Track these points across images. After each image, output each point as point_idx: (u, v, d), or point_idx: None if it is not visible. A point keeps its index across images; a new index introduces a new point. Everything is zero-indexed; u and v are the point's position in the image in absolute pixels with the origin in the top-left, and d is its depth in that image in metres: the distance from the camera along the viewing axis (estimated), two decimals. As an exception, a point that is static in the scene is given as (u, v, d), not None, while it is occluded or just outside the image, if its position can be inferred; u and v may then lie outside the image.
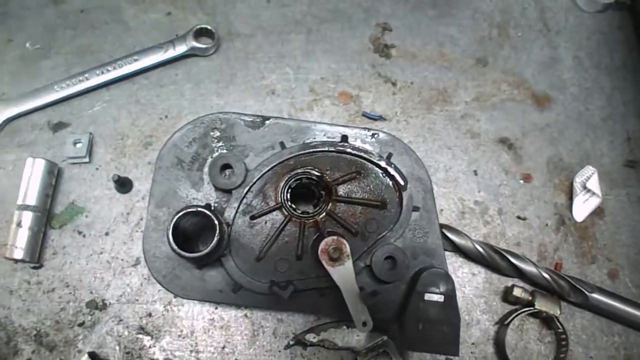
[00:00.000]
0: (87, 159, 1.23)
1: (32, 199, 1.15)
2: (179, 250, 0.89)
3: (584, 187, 1.25)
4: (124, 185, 1.20)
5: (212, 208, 0.98)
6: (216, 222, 0.90)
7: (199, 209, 0.90)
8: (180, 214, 0.89)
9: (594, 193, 1.24)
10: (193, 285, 1.02)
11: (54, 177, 1.19)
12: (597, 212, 1.26)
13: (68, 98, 1.27)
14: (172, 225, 0.88)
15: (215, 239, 0.90)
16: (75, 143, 1.22)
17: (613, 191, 1.28)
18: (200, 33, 1.32)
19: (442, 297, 1.00)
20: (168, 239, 0.88)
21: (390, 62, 1.35)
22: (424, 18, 1.40)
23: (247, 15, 1.38)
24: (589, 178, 1.25)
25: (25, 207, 1.14)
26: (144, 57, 1.29)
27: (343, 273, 0.96)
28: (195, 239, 1.04)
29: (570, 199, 1.26)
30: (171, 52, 1.30)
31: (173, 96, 1.29)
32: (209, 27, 1.31)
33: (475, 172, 1.27)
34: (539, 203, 1.26)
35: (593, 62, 1.39)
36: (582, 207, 1.25)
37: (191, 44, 1.30)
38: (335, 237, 0.96)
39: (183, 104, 1.29)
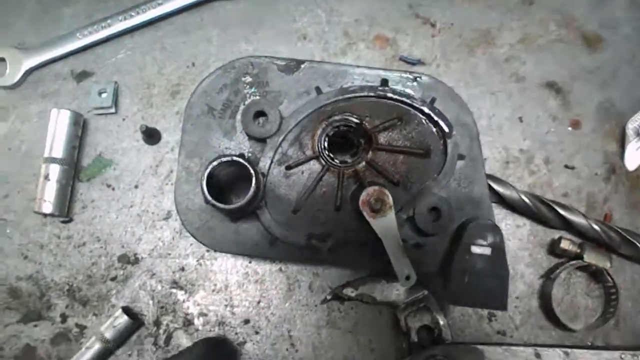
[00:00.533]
0: (113, 110, 1.18)
1: (58, 152, 1.11)
2: (213, 202, 0.84)
3: (637, 134, 1.17)
4: (152, 136, 1.16)
5: (246, 158, 0.93)
6: (252, 172, 0.85)
7: (234, 158, 0.85)
8: (214, 164, 0.84)
9: (648, 140, 1.16)
10: (227, 238, 0.98)
11: (79, 128, 1.15)
12: (651, 160, 1.18)
13: (91, 46, 1.22)
14: (205, 176, 0.84)
15: (252, 190, 0.85)
16: (100, 93, 1.17)
17: (668, 137, 1.19)
18: (226, -26, 1.24)
19: (490, 249, 0.95)
20: (202, 190, 0.84)
21: (430, 2, 1.26)
22: (465, -47, 1.30)
23: (275, -45, 1.29)
24: (643, 123, 1.17)
25: (52, 160, 1.10)
26: (168, 1, 1.22)
27: (385, 224, 0.91)
28: (229, 190, 1.00)
29: (622, 146, 1.19)
30: (196, -5, 1.22)
31: (200, 42, 1.23)
32: (235, -32, 1.23)
33: (521, 119, 1.20)
34: (587, 151, 1.19)
35: (648, -3, 1.29)
36: (635, 155, 1.18)
37: (217, -15, 1.23)
38: (376, 187, 0.91)
39: (210, 51, 1.22)
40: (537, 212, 1.11)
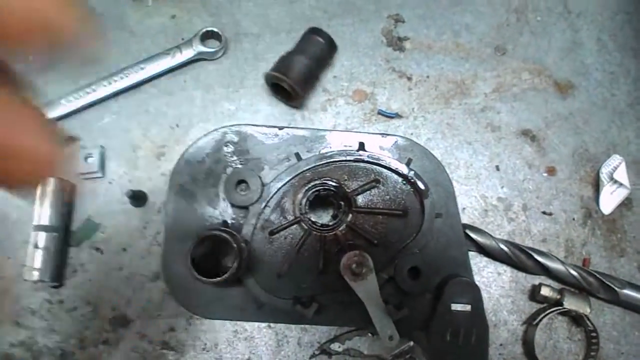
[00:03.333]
0: (100, 174, 1.20)
1: (46, 219, 1.13)
2: (200, 277, 0.87)
3: (611, 178, 1.20)
4: (138, 199, 1.18)
5: (229, 225, 0.96)
6: (235, 245, 0.88)
7: (216, 233, 0.88)
8: (198, 240, 0.87)
9: (621, 184, 1.20)
10: (214, 304, 1.01)
11: (67, 194, 1.17)
12: (625, 204, 1.22)
13: (76, 112, 1.24)
14: (190, 254, 0.86)
15: (235, 263, 0.88)
16: (86, 158, 1.20)
17: (641, 180, 1.23)
18: (207, 36, 1.27)
19: (469, 306, 0.98)
20: (189, 267, 0.86)
21: (405, 56, 1.30)
22: (437, 7, 1.34)
23: (253, 14, 1.33)
24: (616, 168, 1.21)
25: (41, 228, 1.13)
26: (151, 64, 1.25)
27: (366, 287, 0.94)
28: (213, 256, 1.02)
29: (597, 191, 1.22)
30: (178, 58, 1.26)
31: (183, 103, 1.26)
32: (215, 30, 1.27)
33: (498, 168, 1.23)
34: (564, 197, 1.22)
35: (617, 44, 1.33)
36: (610, 199, 1.21)
37: (198, 48, 1.26)
38: (357, 252, 0.93)
39: (194, 111, 1.25)
40: (517, 259, 1.14)
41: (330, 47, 1.23)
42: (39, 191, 1.14)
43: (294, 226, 1.00)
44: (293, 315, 0.99)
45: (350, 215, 1.00)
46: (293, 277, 1.00)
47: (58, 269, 1.15)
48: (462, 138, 1.25)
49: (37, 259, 1.12)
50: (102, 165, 1.21)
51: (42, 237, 1.12)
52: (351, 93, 1.27)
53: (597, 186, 1.22)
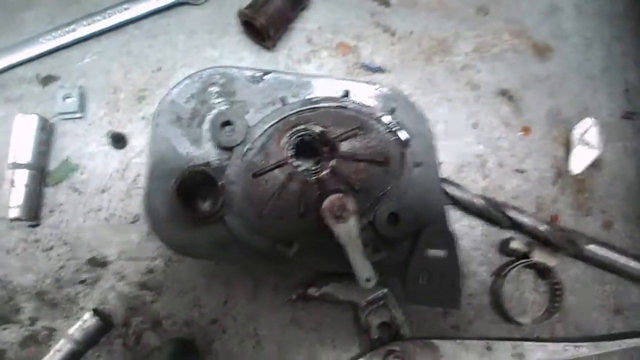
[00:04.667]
0: (79, 114, 1.19)
1: (25, 157, 1.12)
2: (185, 211, 0.88)
3: (582, 140, 1.25)
4: (119, 141, 1.18)
5: (213, 166, 0.97)
6: (219, 182, 0.89)
7: (202, 168, 0.89)
8: (184, 174, 0.88)
9: (592, 145, 1.24)
10: (195, 243, 1.01)
11: (46, 133, 1.16)
12: (595, 165, 1.26)
13: (55, 50, 1.22)
14: (175, 188, 0.87)
15: (220, 200, 0.89)
16: (65, 98, 1.18)
17: (610, 143, 1.27)
18: (192, -21, 1.26)
19: (444, 252, 1.01)
20: (174, 200, 0.87)
21: (390, 11, 1.31)
22: (424, -36, 1.35)
23: (240, -40, 1.31)
24: (587, 130, 1.25)
25: (18, 165, 1.11)
26: (135, 5, 1.23)
27: (347, 230, 0.96)
28: (197, 195, 1.03)
29: (569, 151, 1.26)
30: (163, 0, 1.24)
31: (166, 47, 1.25)
32: (200, -27, 1.25)
33: (475, 125, 1.26)
34: (537, 156, 1.26)
35: (594, 10, 1.36)
36: (580, 160, 1.25)
37: (183, -9, 1.25)
38: (339, 195, 0.95)
39: (177, 56, 1.24)
40: (489, 214, 1.18)
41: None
42: (18, 128, 1.12)
43: (277, 170, 1.01)
44: (273, 255, 1.01)
45: (333, 161, 1.02)
46: (274, 219, 1.01)
47: (35, 208, 1.14)
48: (442, 95, 1.27)
49: (14, 196, 1.11)
50: (82, 106, 1.20)
51: (19, 175, 1.11)
52: (335, 45, 1.28)
53: (568, 147, 1.26)
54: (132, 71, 1.23)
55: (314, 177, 1.02)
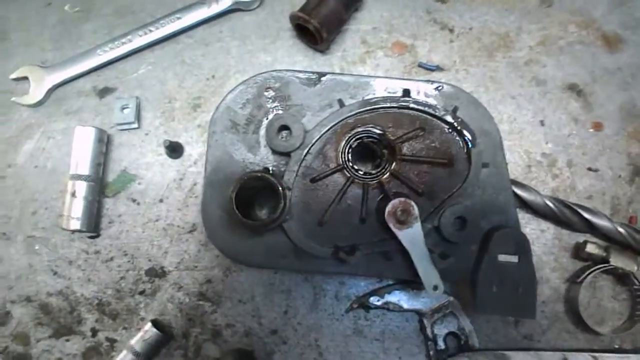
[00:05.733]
0: (136, 125, 1.19)
1: (84, 168, 1.12)
2: (243, 220, 0.85)
3: (661, 134, 1.16)
4: (175, 150, 1.17)
5: (271, 172, 0.94)
6: (280, 188, 0.86)
7: (262, 174, 0.86)
8: (242, 180, 0.85)
9: (672, 140, 1.15)
10: (253, 251, 0.99)
11: (104, 144, 1.17)
12: (676, 160, 1.17)
13: (112, 62, 1.23)
14: (234, 194, 0.85)
15: (280, 207, 0.86)
16: (123, 108, 1.19)
17: (692, 136, 1.18)
18: (244, -15, 1.25)
19: (517, 257, 0.95)
20: (232, 207, 0.85)
21: (447, 7, 1.26)
22: (481, -43, 1.29)
23: (291, -36, 1.29)
24: (667, 124, 1.16)
25: (78, 177, 1.12)
26: (187, 15, 1.23)
27: (411, 235, 0.92)
28: (253, 202, 1.01)
29: (646, 147, 1.18)
30: (214, 8, 1.23)
31: (219, 55, 1.24)
32: (252, -21, 1.24)
33: (542, 122, 1.19)
34: (611, 153, 1.18)
35: (669, -4, 1.27)
36: (659, 156, 1.17)
37: (235, -3, 1.24)
38: (402, 199, 0.91)
39: (230, 63, 1.23)
40: (561, 216, 1.11)
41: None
42: (77, 140, 1.13)
43: (336, 174, 0.98)
44: (333, 263, 0.97)
45: (394, 164, 0.97)
46: (334, 226, 0.97)
47: (95, 219, 1.15)
48: (505, 92, 1.21)
49: (75, 208, 1.11)
50: (138, 116, 1.20)
51: (80, 186, 1.12)
52: (391, 45, 1.24)
53: (645, 143, 1.18)
54: (186, 80, 1.22)
55: (375, 181, 0.98)
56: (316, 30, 1.14)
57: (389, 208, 0.91)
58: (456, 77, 1.21)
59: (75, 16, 1.28)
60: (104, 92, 1.23)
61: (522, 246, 0.95)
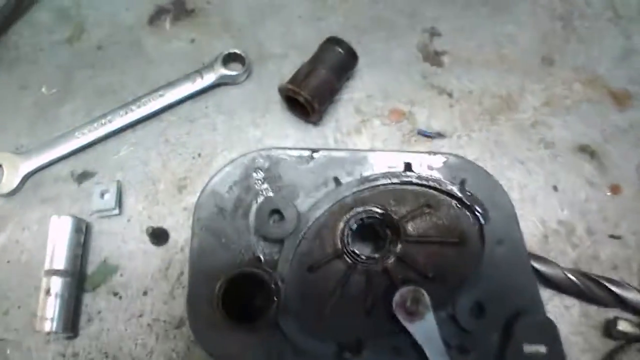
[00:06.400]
0: (116, 211, 1.10)
1: (60, 263, 1.02)
2: (231, 322, 0.75)
3: (686, 195, 1.07)
4: (159, 237, 1.08)
5: (262, 261, 0.85)
6: (271, 284, 0.76)
7: (251, 270, 0.77)
8: (230, 278, 0.76)
9: (698, 200, 1.07)
10: (246, 352, 0.87)
11: (82, 234, 1.07)
12: None
13: (91, 144, 1.15)
14: (220, 293, 0.75)
15: (273, 305, 0.76)
16: (102, 194, 1.10)
17: None
18: (229, 59, 1.19)
19: (545, 347, 0.84)
20: (218, 310, 0.74)
21: (443, 71, 1.20)
22: (476, 18, 1.25)
23: (278, 34, 1.24)
24: (690, 183, 1.08)
25: (54, 272, 1.02)
26: (170, 91, 1.17)
27: (424, 328, 0.81)
28: (244, 294, 0.90)
29: (672, 209, 1.09)
30: (199, 83, 1.17)
31: (205, 131, 1.16)
32: (238, 52, 1.18)
33: (555, 188, 1.11)
34: (633, 217, 1.09)
35: (677, 48, 1.22)
36: (686, 218, 1.08)
37: (220, 71, 1.17)
38: (411, 287, 0.81)
39: (217, 139, 1.15)
40: (587, 290, 1.00)
41: (350, 57, 1.14)
42: (52, 232, 1.03)
43: (336, 260, 0.88)
44: (337, 358, 0.86)
45: (400, 246, 0.88)
46: (336, 319, 0.87)
47: (72, 318, 1.04)
48: (512, 157, 1.13)
49: (50, 308, 1.00)
50: (119, 202, 1.11)
51: (54, 283, 1.01)
52: (387, 113, 1.17)
53: (671, 204, 1.09)
54: (171, 160, 1.14)
55: (379, 267, 0.88)
56: (307, 102, 1.07)
57: (396, 298, 0.81)
58: (458, 143, 1.14)
59: (52, 98, 1.21)
60: (83, 177, 1.14)
61: (549, 334, 0.84)
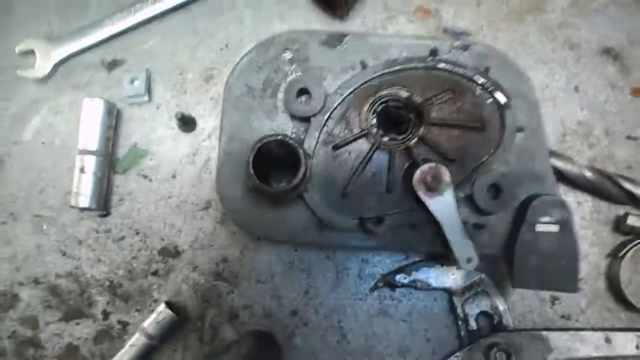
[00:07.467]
0: (146, 97, 1.13)
1: (93, 143, 1.07)
2: (261, 185, 0.79)
3: None
4: (187, 123, 1.11)
5: (290, 138, 0.88)
6: (300, 151, 0.80)
7: (281, 138, 0.80)
8: (261, 144, 0.79)
9: None
10: (272, 225, 0.92)
11: (113, 118, 1.11)
12: None
13: (121, 33, 1.17)
14: (252, 157, 0.78)
15: (301, 171, 0.80)
16: (132, 81, 1.13)
17: None
18: (258, -50, 1.18)
19: (557, 226, 0.88)
20: (249, 171, 0.78)
21: (471, -31, 1.19)
22: None
23: None
24: None
25: (87, 152, 1.06)
26: (198, -17, 1.17)
27: (443, 204, 0.85)
28: (270, 175, 0.94)
29: (691, 111, 1.10)
30: (227, -25, 1.17)
31: (232, 23, 1.17)
32: (266, -56, 1.17)
33: (577, 89, 1.12)
34: (652, 119, 1.10)
35: None
36: None
37: (248, -37, 1.17)
38: (432, 164, 0.84)
39: (244, 32, 1.16)
40: (600, 186, 1.04)
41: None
42: (85, 114, 1.07)
43: (360, 140, 0.91)
44: (358, 236, 0.91)
45: (423, 128, 0.91)
46: (358, 196, 0.91)
47: (105, 197, 1.09)
48: (537, 57, 1.14)
49: (84, 185, 1.06)
50: (149, 89, 1.14)
51: (89, 161, 1.06)
52: (414, 9, 1.17)
53: (689, 108, 1.10)
54: (199, 50, 1.16)
55: (401, 147, 0.91)
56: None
57: (417, 174, 0.84)
58: (484, 42, 1.14)
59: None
60: (113, 64, 1.17)
61: (562, 214, 0.88)
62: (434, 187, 0.84)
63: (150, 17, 1.17)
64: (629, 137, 1.10)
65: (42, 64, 1.16)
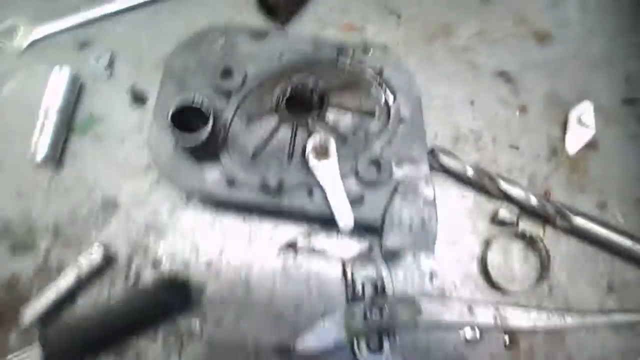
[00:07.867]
0: (107, 74, 1.33)
1: (55, 103, 1.25)
2: (179, 132, 0.97)
3: (579, 120, 1.28)
4: (139, 98, 1.30)
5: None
6: (210, 110, 0.98)
7: (196, 100, 0.98)
8: (180, 102, 0.98)
9: (588, 126, 1.27)
10: (193, 179, 1.09)
11: (76, 87, 1.30)
12: (591, 146, 1.29)
13: (95, 20, 1.38)
14: (172, 111, 0.97)
15: (209, 125, 0.98)
16: (97, 59, 1.33)
17: (609, 127, 1.30)
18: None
19: (422, 200, 1.06)
20: (169, 125, 0.96)
21: (397, -3, 1.41)
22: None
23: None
24: (585, 112, 1.28)
25: (49, 109, 1.25)
26: (164, -16, 1.38)
27: (327, 169, 1.03)
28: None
29: (565, 132, 1.29)
30: (189, -20, 1.39)
31: (186, 20, 1.37)
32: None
33: (472, 102, 1.32)
34: (532, 134, 1.30)
35: (599, 2, 1.41)
36: (576, 140, 1.28)
37: (208, -27, 1.39)
38: (322, 134, 1.03)
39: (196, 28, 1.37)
40: (481, 183, 1.22)
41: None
42: (53, 79, 1.26)
43: (270, 116, 1.10)
44: (261, 196, 1.08)
45: (324, 110, 1.10)
46: (265, 161, 1.09)
47: (61, 152, 1.27)
48: (441, 73, 1.34)
49: (43, 141, 1.23)
50: (111, 68, 1.34)
51: (50, 117, 1.24)
52: (342, 25, 1.38)
53: (565, 128, 1.29)
54: (158, 39, 1.36)
55: (304, 124, 1.10)
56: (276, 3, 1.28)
57: (309, 142, 1.03)
58: (397, 55, 1.34)
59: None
60: (84, 44, 1.37)
61: (426, 190, 1.06)
62: (320, 152, 1.03)
63: (122, 9, 1.38)
64: (511, 146, 1.29)
65: (24, 39, 1.36)
